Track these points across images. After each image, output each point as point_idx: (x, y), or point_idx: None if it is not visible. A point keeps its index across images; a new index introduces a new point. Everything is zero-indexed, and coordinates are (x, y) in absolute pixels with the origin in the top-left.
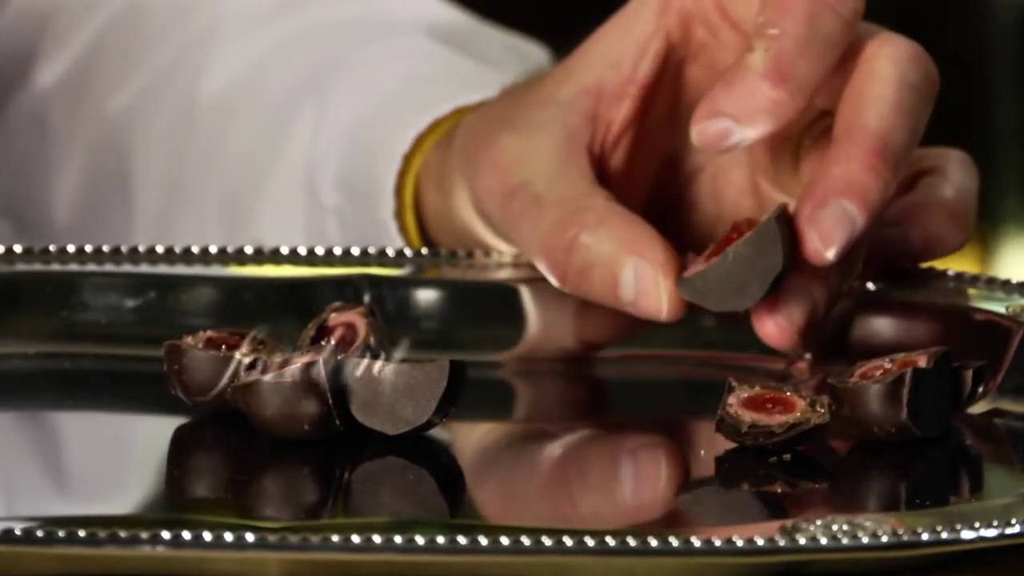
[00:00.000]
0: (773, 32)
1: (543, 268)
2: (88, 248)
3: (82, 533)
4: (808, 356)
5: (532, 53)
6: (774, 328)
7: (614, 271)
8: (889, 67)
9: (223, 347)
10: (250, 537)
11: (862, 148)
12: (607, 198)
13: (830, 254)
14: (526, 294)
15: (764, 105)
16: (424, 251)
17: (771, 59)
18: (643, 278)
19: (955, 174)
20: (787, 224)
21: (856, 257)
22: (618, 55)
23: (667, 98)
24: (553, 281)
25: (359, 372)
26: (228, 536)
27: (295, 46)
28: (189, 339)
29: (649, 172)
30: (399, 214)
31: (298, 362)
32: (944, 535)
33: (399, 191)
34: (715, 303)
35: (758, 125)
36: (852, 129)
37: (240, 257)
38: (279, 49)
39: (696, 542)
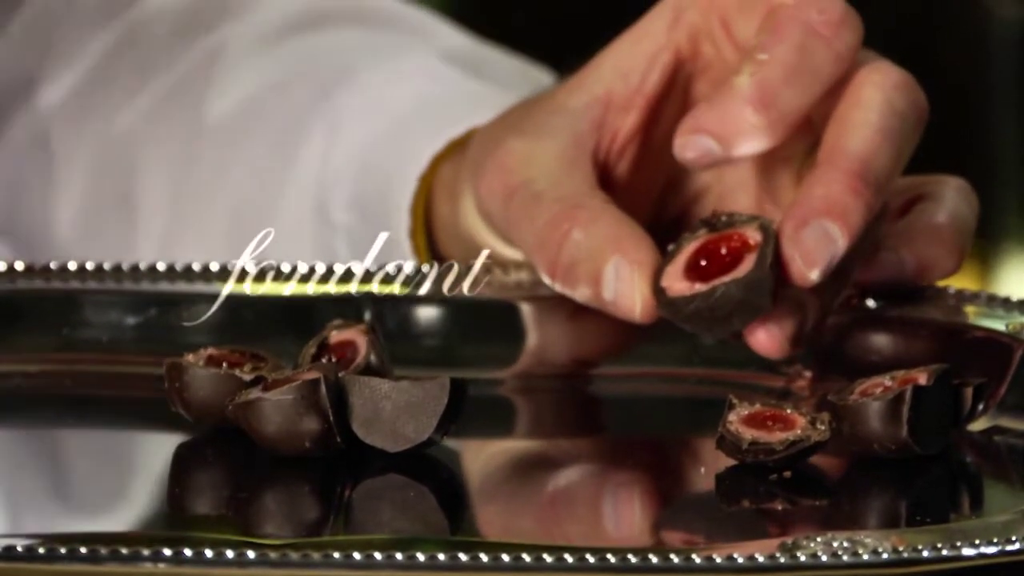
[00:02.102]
0: (762, 57)
1: (536, 263)
2: (89, 265)
3: (84, 550)
4: (808, 373)
5: (539, 76)
6: (765, 337)
7: (598, 267)
8: (876, 93)
9: (224, 365)
10: (251, 554)
11: (843, 170)
12: (604, 199)
13: (813, 275)
14: (526, 311)
15: (745, 129)
16: (424, 268)
17: (756, 84)
18: (622, 276)
19: (950, 200)
20: (776, 242)
21: (848, 271)
22: (628, 67)
23: (675, 113)
24: (544, 278)
25: (360, 389)
26: (229, 553)
27: (304, 67)
28: (190, 357)
29: (654, 187)
30: (411, 233)
31: (299, 379)
32: (945, 552)
33: (411, 210)
34: (692, 327)
35: (738, 147)
36: (835, 152)
37: (241, 275)
38: (288, 69)
39: (697, 559)
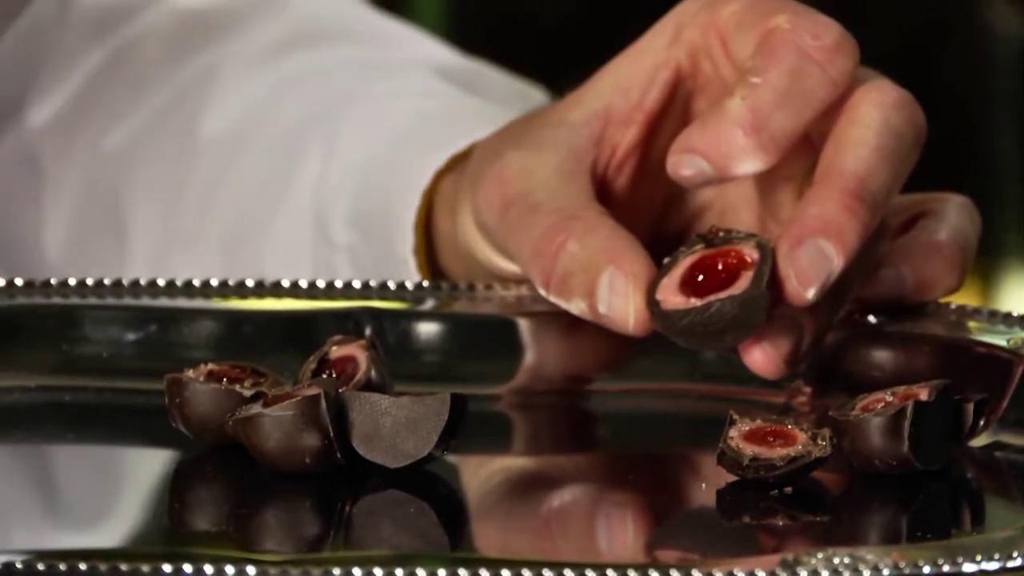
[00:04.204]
0: (755, 81)
1: (531, 275)
2: (89, 281)
3: (83, 566)
4: (809, 389)
5: (533, 94)
6: (761, 357)
7: (592, 278)
8: (873, 111)
9: (224, 380)
10: (251, 570)
11: (839, 189)
12: (601, 212)
13: (808, 294)
14: (527, 327)
15: (735, 152)
16: (425, 284)
17: (747, 108)
18: (616, 288)
19: (952, 217)
20: (773, 261)
21: (846, 290)
22: (628, 82)
23: (674, 129)
24: (540, 288)
25: (360, 405)
26: (229, 569)
27: (299, 84)
28: (190, 372)
29: (653, 203)
30: (413, 249)
31: (299, 395)
32: (946, 568)
33: (413, 227)
34: (684, 341)
35: (730, 169)
36: (831, 171)
37: (241, 290)
38: (282, 87)
39: (697, 575)
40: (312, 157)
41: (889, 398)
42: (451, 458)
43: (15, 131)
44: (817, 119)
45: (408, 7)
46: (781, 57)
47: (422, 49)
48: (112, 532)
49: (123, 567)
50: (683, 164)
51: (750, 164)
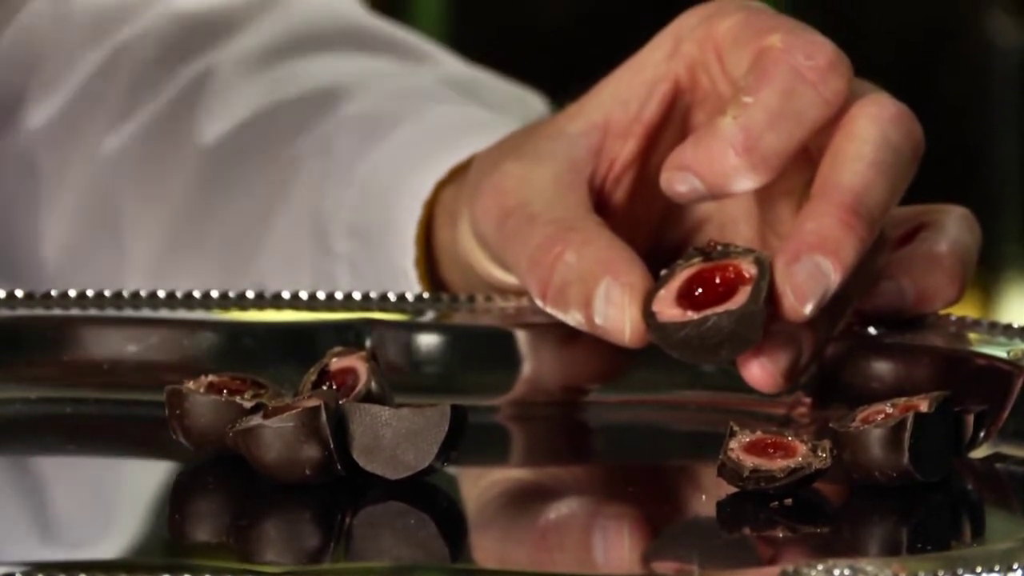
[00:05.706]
0: (748, 100)
1: (528, 285)
2: (89, 293)
3: None
4: (809, 400)
5: (533, 102)
6: (759, 370)
7: (589, 289)
8: (870, 126)
9: (224, 392)
10: None
11: (836, 204)
12: (599, 223)
13: (806, 310)
14: (526, 339)
15: (727, 171)
16: (425, 295)
17: (739, 128)
18: (612, 299)
19: (952, 229)
20: (771, 277)
21: (845, 304)
22: (627, 95)
23: (672, 142)
24: (536, 299)
25: (360, 417)
26: None
27: (298, 91)
28: (191, 384)
29: (652, 215)
30: (415, 261)
31: (299, 407)
32: None
33: (414, 238)
34: (679, 354)
35: (722, 188)
36: (828, 186)
37: (241, 302)
38: (281, 94)
39: None
40: (310, 165)
41: (889, 410)
42: (451, 469)
43: (12, 134)
44: (810, 138)
45: (408, 14)
46: (774, 77)
47: (424, 55)
48: (112, 543)
49: None
50: (677, 180)
51: (743, 183)
